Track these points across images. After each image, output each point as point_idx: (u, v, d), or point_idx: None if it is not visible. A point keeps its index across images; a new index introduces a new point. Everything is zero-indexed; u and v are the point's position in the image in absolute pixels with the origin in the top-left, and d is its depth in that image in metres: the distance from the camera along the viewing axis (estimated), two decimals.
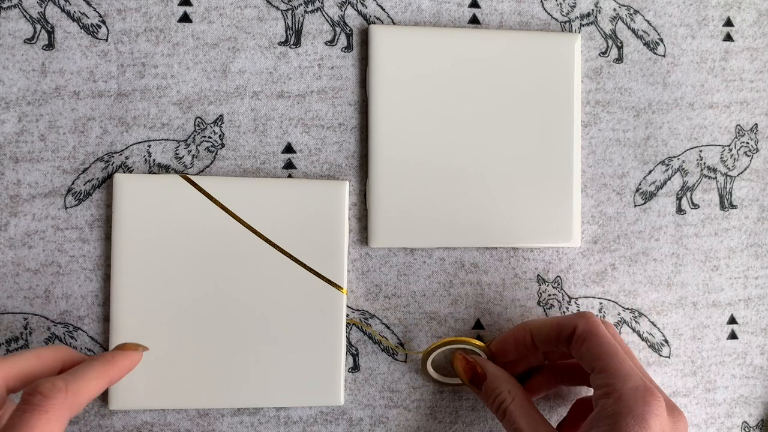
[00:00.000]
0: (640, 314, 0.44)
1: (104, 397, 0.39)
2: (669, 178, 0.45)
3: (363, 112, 0.42)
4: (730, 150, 0.45)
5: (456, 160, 0.42)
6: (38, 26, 0.40)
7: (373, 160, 0.41)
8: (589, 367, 0.35)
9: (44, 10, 0.40)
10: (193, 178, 0.39)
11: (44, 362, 0.33)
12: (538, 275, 0.43)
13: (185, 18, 0.41)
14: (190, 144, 0.41)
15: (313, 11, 0.42)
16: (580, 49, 0.43)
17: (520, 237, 0.42)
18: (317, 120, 0.42)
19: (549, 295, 0.43)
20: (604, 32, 0.44)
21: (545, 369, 0.41)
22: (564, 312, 0.43)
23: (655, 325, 0.44)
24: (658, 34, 0.45)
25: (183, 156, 0.41)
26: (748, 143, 0.46)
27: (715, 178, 0.45)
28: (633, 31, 0.44)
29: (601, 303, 0.44)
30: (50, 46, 0.40)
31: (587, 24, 0.44)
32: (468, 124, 0.42)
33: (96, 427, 0.40)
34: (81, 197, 0.40)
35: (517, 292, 0.43)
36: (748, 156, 0.46)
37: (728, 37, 0.45)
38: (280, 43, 0.41)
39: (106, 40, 0.40)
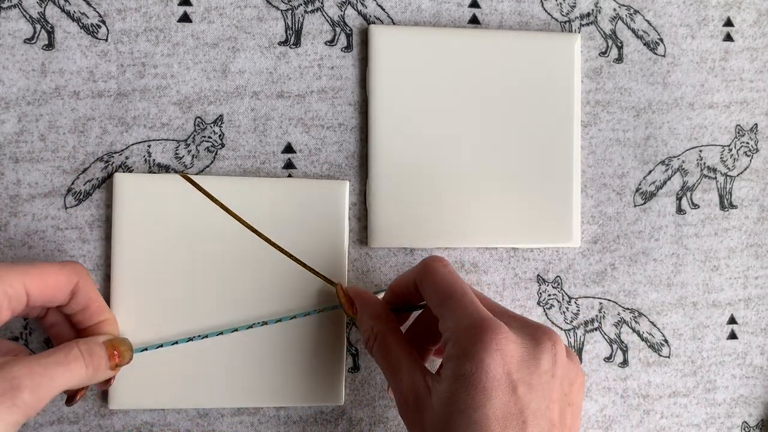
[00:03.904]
0: (640, 314, 0.44)
1: (104, 397, 0.39)
2: (669, 178, 0.45)
3: (363, 112, 0.42)
4: (730, 150, 0.45)
5: (456, 160, 0.42)
6: (38, 26, 0.40)
7: (373, 160, 0.41)
8: (435, 314, 0.33)
9: (44, 10, 0.40)
10: (193, 177, 0.39)
11: (65, 279, 0.34)
12: (538, 275, 0.43)
13: (185, 18, 0.41)
14: (190, 144, 0.41)
15: (313, 11, 0.42)
16: (580, 49, 0.43)
17: (520, 237, 0.42)
18: (317, 120, 0.42)
19: (549, 295, 0.43)
20: (604, 32, 0.44)
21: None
22: (564, 312, 0.43)
23: (655, 325, 0.44)
24: (658, 34, 0.45)
25: (183, 156, 0.41)
26: (748, 143, 0.46)
27: (715, 178, 0.45)
28: (633, 31, 0.44)
29: (601, 303, 0.44)
30: (50, 46, 0.40)
31: (587, 24, 0.44)
32: (468, 123, 0.42)
33: (96, 427, 0.40)
34: (81, 197, 0.40)
35: (517, 292, 0.43)
36: (748, 156, 0.46)
37: (728, 37, 0.45)
38: (280, 43, 0.41)
39: (106, 40, 0.40)
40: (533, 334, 0.32)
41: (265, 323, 0.39)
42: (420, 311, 0.39)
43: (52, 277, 0.33)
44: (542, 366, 0.31)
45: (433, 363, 0.41)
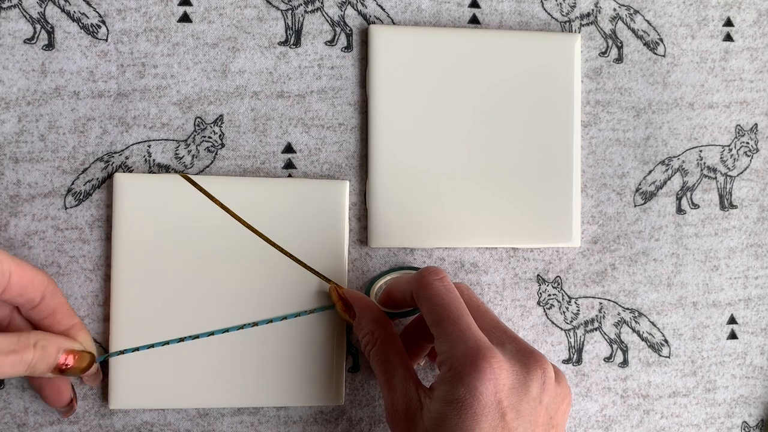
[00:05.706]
0: (640, 314, 0.44)
1: (104, 397, 0.39)
2: (669, 178, 0.45)
3: (363, 112, 0.42)
4: (730, 150, 0.45)
5: (456, 160, 0.42)
6: (38, 26, 0.40)
7: (373, 160, 0.41)
8: (431, 331, 0.34)
9: (44, 10, 0.40)
10: (193, 177, 0.39)
11: (39, 278, 0.34)
12: (538, 275, 0.43)
13: (185, 18, 0.41)
14: (190, 144, 0.41)
15: (313, 11, 0.42)
16: (580, 49, 0.43)
17: (520, 237, 0.42)
18: (317, 120, 0.42)
19: (549, 295, 0.43)
20: (604, 32, 0.44)
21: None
22: (564, 312, 0.43)
23: (655, 325, 0.44)
24: (658, 34, 0.45)
25: (183, 156, 0.41)
26: (748, 143, 0.46)
27: (715, 178, 0.45)
28: (633, 31, 0.44)
29: (601, 303, 0.44)
30: (50, 46, 0.40)
31: (587, 24, 0.44)
32: (468, 124, 0.42)
33: (96, 427, 0.40)
34: (81, 197, 0.40)
35: (517, 292, 0.43)
36: (748, 156, 0.46)
37: (728, 37, 0.45)
38: (280, 43, 0.41)
39: (106, 40, 0.40)
40: (525, 360, 0.33)
41: (255, 324, 0.39)
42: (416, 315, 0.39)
43: (30, 272, 0.34)
44: (531, 393, 0.32)
45: (427, 361, 0.42)
